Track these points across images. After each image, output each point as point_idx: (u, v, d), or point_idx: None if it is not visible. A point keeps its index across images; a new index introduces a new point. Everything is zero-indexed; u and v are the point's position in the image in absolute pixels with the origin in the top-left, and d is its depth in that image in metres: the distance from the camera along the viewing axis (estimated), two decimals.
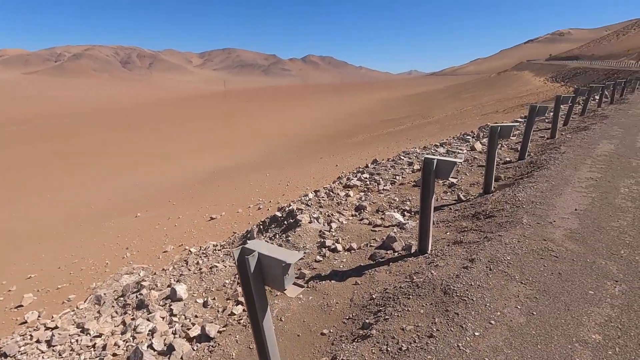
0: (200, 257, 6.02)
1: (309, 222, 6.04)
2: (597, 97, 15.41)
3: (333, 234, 5.54)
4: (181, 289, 4.58)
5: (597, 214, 4.43)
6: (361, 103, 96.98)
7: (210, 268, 5.19)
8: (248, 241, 2.26)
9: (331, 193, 7.43)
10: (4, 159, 42.33)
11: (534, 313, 2.71)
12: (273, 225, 6.63)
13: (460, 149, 10.11)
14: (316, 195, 7.42)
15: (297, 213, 6.36)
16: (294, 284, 2.21)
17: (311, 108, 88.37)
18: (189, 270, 5.30)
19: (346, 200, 7.06)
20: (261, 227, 6.80)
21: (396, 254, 4.59)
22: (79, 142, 52.27)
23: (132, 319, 4.28)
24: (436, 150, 10.45)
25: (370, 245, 4.98)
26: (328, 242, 5.17)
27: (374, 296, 3.58)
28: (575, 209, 4.58)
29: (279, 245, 5.46)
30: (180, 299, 4.49)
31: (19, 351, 3.73)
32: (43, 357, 3.66)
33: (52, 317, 5.89)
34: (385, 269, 4.17)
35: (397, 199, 6.87)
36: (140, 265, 9.19)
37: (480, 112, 37.20)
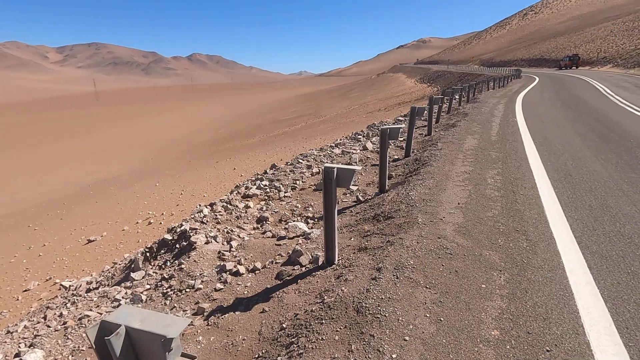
0: (66, 305, 4.78)
1: (206, 243, 5.37)
2: (457, 97, 18.04)
3: (234, 254, 5.01)
4: (34, 359, 3.49)
5: (474, 206, 4.96)
6: (254, 103, 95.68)
7: (79, 319, 4.13)
8: (108, 316, 1.66)
9: (229, 205, 6.82)
10: None
11: (442, 319, 2.76)
12: (162, 251, 5.72)
13: (354, 149, 10.54)
14: (212, 210, 6.71)
15: (191, 234, 5.60)
16: (183, 355, 1.71)
17: (201, 109, 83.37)
18: (48, 327, 4.12)
19: (246, 212, 6.56)
20: (147, 254, 5.81)
21: (304, 268, 4.35)
22: None
23: None
24: (332, 151, 10.68)
25: (276, 262, 4.64)
26: (229, 265, 4.63)
27: (284, 325, 3.25)
28: (458, 203, 5.05)
29: (170, 278, 4.68)
30: None
31: None
32: None
33: None
34: (294, 289, 3.88)
35: (300, 206, 6.68)
36: None
37: (365, 110, 40.40)
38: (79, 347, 3.78)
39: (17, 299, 9.55)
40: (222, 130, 50.38)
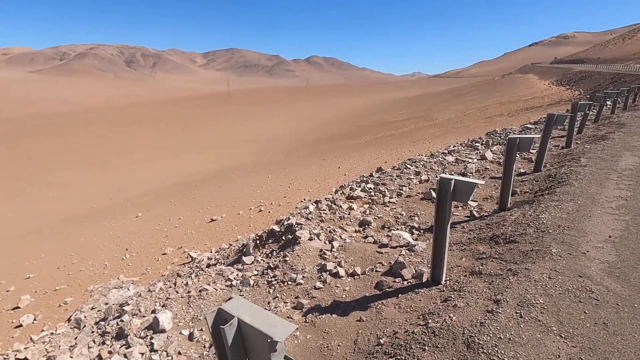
0: (191, 276, 5.53)
1: (309, 240, 5.55)
2: (609, 103, 14.85)
3: (335, 254, 5.04)
4: (165, 319, 4.09)
5: (635, 242, 3.91)
6: (364, 104, 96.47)
7: (200, 291, 4.71)
8: (224, 305, 1.76)
9: (333, 205, 6.93)
10: (3, 155, 42.11)
11: None
12: (270, 241, 6.14)
13: (470, 158, 9.58)
14: (317, 208, 6.92)
15: (297, 228, 5.86)
16: (286, 358, 1.72)
17: (314, 109, 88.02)
18: (177, 292, 4.82)
19: (349, 213, 6.56)
20: (257, 242, 6.31)
21: (405, 282, 4.09)
22: (81, 140, 52.05)
23: (109, 353, 3.81)
24: (444, 159, 9.93)
25: (376, 270, 4.48)
26: (329, 265, 4.67)
27: (382, 340, 3.08)
28: (610, 236, 4.07)
29: (275, 267, 4.97)
30: (163, 331, 4.01)
31: None
32: None
33: (30, 340, 5.43)
34: (393, 303, 3.67)
35: (405, 214, 6.36)
36: (131, 279, 8.72)
37: (484, 115, 36.66)
38: (197, 316, 4.30)
39: (157, 260, 11.58)
40: (330, 129, 52.31)
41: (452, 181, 3.50)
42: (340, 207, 6.85)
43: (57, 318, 8.79)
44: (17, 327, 8.62)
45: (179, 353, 3.68)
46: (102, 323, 4.55)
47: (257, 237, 6.37)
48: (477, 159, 9.30)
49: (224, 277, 5.16)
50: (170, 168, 33.74)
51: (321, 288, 4.29)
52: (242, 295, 4.56)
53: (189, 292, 4.74)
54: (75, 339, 4.24)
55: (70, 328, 4.69)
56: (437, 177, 8.03)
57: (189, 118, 77.71)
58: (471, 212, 5.84)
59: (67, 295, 9.86)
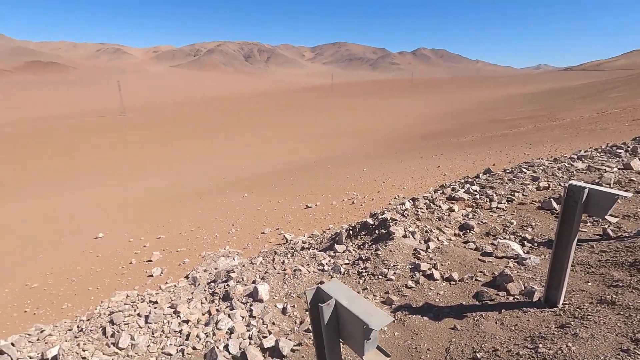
0: (287, 255, 5.94)
1: (403, 236, 5.39)
2: None
3: (430, 255, 4.80)
4: (263, 290, 4.49)
5: None
6: (474, 100, 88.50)
7: (294, 271, 5.02)
8: (323, 285, 1.82)
9: (432, 204, 6.58)
10: (152, 135, 51.27)
11: None
12: (363, 233, 6.17)
13: (608, 166, 7.98)
14: (414, 205, 6.66)
15: (391, 223, 5.75)
16: (379, 349, 1.71)
17: (417, 104, 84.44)
18: (274, 268, 5.23)
19: (449, 215, 6.14)
20: (350, 232, 6.41)
21: (511, 298, 3.66)
22: (211, 125, 59.95)
23: (217, 311, 4.36)
24: (572, 164, 8.48)
25: (477, 279, 4.11)
26: (423, 266, 4.47)
27: (478, 355, 2.83)
28: None
29: (366, 259, 4.98)
30: (261, 300, 4.41)
31: (123, 321, 4.09)
32: (139, 332, 3.94)
33: (159, 288, 6.57)
34: (495, 317, 3.32)
35: (515, 223, 5.67)
36: (236, 250, 9.80)
37: (631, 117, 30.04)
38: (290, 293, 4.61)
39: (257, 237, 12.78)
40: (432, 125, 49.58)
41: (586, 190, 2.96)
42: (440, 207, 6.46)
43: (177, 274, 10.47)
44: (149, 276, 10.58)
45: (273, 323, 4.00)
46: (212, 284, 5.21)
47: (350, 228, 6.47)
48: (618, 168, 7.69)
49: (316, 261, 5.40)
50: (274, 155, 36.55)
51: (413, 287, 4.14)
52: None
53: (284, 270, 5.09)
54: (192, 293, 4.95)
55: (188, 284, 5.49)
56: (562, 184, 6.92)
57: (293, 109, 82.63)
58: (605, 230, 4.88)
59: (185, 257, 11.66)
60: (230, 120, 65.30)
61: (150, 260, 11.72)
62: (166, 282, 9.59)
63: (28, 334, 4.52)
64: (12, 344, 4.01)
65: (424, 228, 5.68)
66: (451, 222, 5.91)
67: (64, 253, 13.54)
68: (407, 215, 6.18)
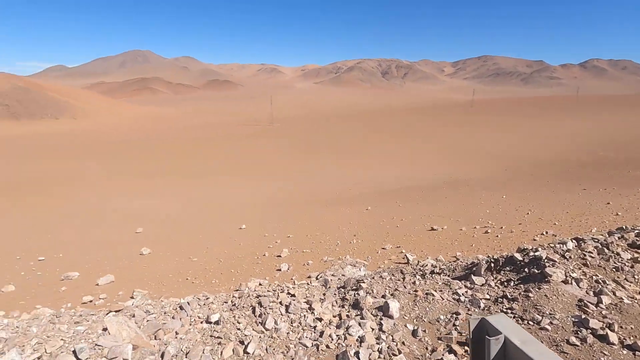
0: (417, 275, 5.75)
1: (563, 282, 4.55)
2: None
3: (603, 312, 3.90)
4: (394, 307, 4.46)
5: None
6: None
7: (426, 294, 4.82)
8: (490, 317, 1.70)
9: (606, 250, 5.35)
10: (291, 143, 57.36)
11: None
12: (508, 268, 5.46)
13: None
14: (579, 247, 5.54)
15: (547, 264, 4.93)
16: None
17: (579, 124, 70.52)
18: (405, 287, 5.13)
19: (632, 267, 4.89)
20: (491, 264, 5.76)
21: None
22: (347, 138, 63.54)
23: (347, 316, 4.54)
24: None
25: None
26: (593, 323, 3.66)
27: None
28: None
29: (512, 299, 4.38)
30: (391, 316, 4.38)
31: (268, 306, 4.68)
32: (280, 319, 4.43)
33: (294, 283, 7.25)
34: None
35: None
36: (362, 261, 10.01)
37: None
38: (421, 316, 4.44)
39: (377, 252, 12.72)
40: (601, 152, 40.52)
41: None
42: (617, 255, 5.21)
43: (301, 273, 11.31)
44: (277, 269, 11.74)
45: (403, 343, 3.92)
46: (342, 290, 5.44)
47: (492, 260, 5.83)
48: None
49: (450, 289, 5.05)
50: (402, 171, 35.98)
51: (577, 346, 3.44)
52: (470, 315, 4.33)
53: (415, 291, 4.94)
54: (324, 294, 5.28)
55: (320, 285, 5.88)
56: None
57: (425, 125, 79.80)
58: None
59: (309, 258, 12.49)
60: (353, 133, 67.53)
61: (280, 256, 12.99)
62: (291, 278, 10.49)
63: (198, 298, 5.57)
64: (188, 303, 5.01)
65: (594, 277, 4.66)
66: (635, 276, 4.68)
67: (216, 237, 16.28)
68: (570, 257, 5.20)
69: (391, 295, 4.90)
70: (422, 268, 7.00)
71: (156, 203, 24.23)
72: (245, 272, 11.89)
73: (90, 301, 9.68)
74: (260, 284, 8.04)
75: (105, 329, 3.79)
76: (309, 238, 15.23)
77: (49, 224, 19.00)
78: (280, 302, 4.76)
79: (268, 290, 5.47)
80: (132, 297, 9.49)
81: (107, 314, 4.64)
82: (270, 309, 4.59)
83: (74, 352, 3.30)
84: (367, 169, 38.27)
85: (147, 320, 4.32)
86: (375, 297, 4.91)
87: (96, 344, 3.44)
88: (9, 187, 29.93)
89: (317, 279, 7.15)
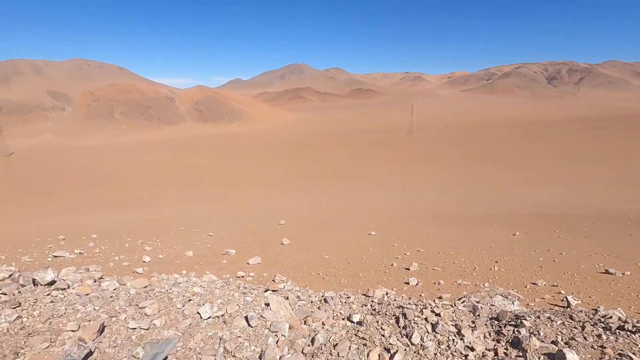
0: (597, 327, 4.56)
1: None
2: None
3: None
4: (571, 358, 3.63)
5: None
6: None
7: (620, 355, 3.77)
8: None
9: None
10: (433, 154, 55.02)
11: None
12: None
13: None
14: None
15: None
16: None
17: None
18: (585, 339, 4.14)
19: None
20: None
21: None
22: (491, 149, 57.75)
23: (505, 354, 3.95)
24: None
25: None
26: None
27: None
28: None
29: None
30: None
31: (413, 320, 4.47)
32: (427, 337, 4.17)
33: (434, 301, 6.80)
34: None
35: None
36: (517, 294, 8.66)
37: None
38: None
39: (525, 286, 10.69)
40: None
41: None
42: None
43: (431, 291, 10.45)
44: (405, 283, 11.14)
45: None
46: (495, 322, 4.78)
47: None
48: None
49: None
50: (567, 193, 30.00)
51: None
52: None
53: (602, 347, 3.95)
54: (473, 322, 4.73)
55: (467, 310, 5.31)
56: None
57: (601, 142, 64.65)
58: None
59: (441, 278, 11.47)
60: (510, 147, 59.47)
61: (408, 269, 12.40)
62: (421, 295, 9.83)
63: (340, 295, 5.74)
64: (332, 298, 5.20)
65: None
66: None
67: (345, 238, 16.77)
68: None
69: (565, 343, 4.03)
70: (603, 319, 5.60)
71: (297, 200, 26.75)
72: (373, 278, 11.84)
73: (242, 277, 11.25)
74: (387, 294, 7.82)
75: (267, 304, 4.25)
76: (441, 256, 14.15)
77: (225, 208, 23.17)
78: (426, 319, 4.49)
79: (409, 303, 5.25)
80: (273, 281, 10.63)
81: (266, 291, 5.23)
82: (415, 323, 4.37)
83: (246, 318, 3.80)
84: (518, 185, 33.40)
85: (298, 306, 4.67)
86: (542, 341, 4.12)
87: (261, 315, 3.89)
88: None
89: (462, 301, 6.53)
